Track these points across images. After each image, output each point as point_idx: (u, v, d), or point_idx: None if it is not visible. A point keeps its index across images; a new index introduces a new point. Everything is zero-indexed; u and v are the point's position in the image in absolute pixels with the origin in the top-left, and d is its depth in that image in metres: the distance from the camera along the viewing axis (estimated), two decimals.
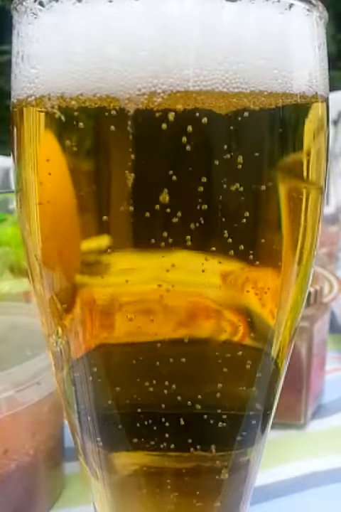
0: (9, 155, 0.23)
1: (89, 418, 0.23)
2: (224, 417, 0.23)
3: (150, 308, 0.20)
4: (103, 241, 0.20)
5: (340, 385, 0.53)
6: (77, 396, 0.23)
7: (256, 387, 0.23)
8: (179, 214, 0.19)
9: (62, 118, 0.19)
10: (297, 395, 0.46)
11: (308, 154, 0.21)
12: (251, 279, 0.21)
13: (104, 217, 0.20)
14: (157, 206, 0.19)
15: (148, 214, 0.19)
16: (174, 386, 0.21)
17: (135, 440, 0.23)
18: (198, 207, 0.19)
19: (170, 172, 0.19)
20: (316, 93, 0.21)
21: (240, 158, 0.19)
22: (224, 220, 0.20)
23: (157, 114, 0.18)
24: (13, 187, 0.23)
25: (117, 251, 0.20)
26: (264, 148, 0.20)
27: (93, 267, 0.20)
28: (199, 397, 0.22)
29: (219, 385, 0.22)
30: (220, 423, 0.23)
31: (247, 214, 0.20)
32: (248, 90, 0.19)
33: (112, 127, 0.19)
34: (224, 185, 0.19)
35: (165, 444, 0.22)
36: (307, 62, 0.21)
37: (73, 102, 0.19)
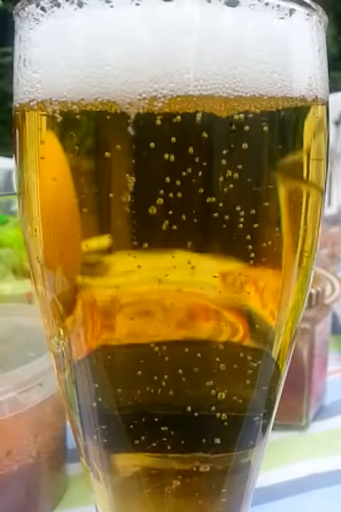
0: (12, 157, 0.23)
1: (90, 419, 0.23)
2: (225, 418, 0.23)
3: (151, 309, 0.20)
4: (104, 243, 0.20)
5: None
6: (78, 397, 0.24)
7: (257, 389, 0.23)
8: (180, 216, 0.19)
9: (64, 122, 0.19)
10: (298, 396, 0.46)
11: (308, 157, 0.21)
12: (251, 280, 0.21)
13: (105, 220, 0.20)
14: (158, 209, 0.19)
15: (149, 216, 0.19)
16: (175, 387, 0.21)
17: (136, 441, 0.23)
18: (199, 209, 0.19)
19: (171, 175, 0.19)
20: (316, 96, 0.21)
21: (240, 162, 0.19)
22: (224, 221, 0.20)
23: (158, 119, 0.18)
24: (15, 189, 0.24)
25: (118, 252, 0.20)
26: (264, 152, 0.20)
27: (94, 268, 0.21)
28: (200, 398, 0.22)
29: (220, 386, 0.22)
30: (221, 424, 0.23)
31: (248, 216, 0.20)
32: (248, 94, 0.19)
33: (113, 131, 0.19)
34: (225, 188, 0.19)
35: (166, 446, 0.23)
36: (307, 66, 0.21)
37: (74, 107, 0.19)
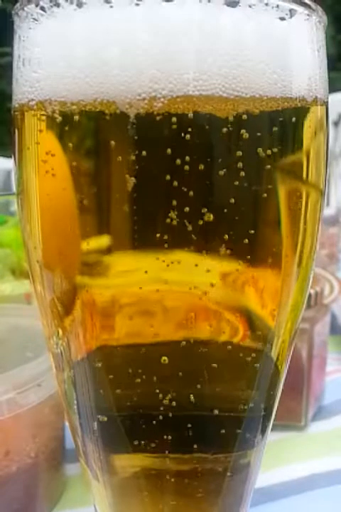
0: (10, 157, 0.23)
1: (89, 420, 0.23)
2: (225, 418, 0.23)
3: (151, 309, 0.20)
4: (103, 243, 0.20)
5: None
6: (77, 398, 0.23)
7: (256, 389, 0.23)
8: (179, 216, 0.19)
9: (63, 123, 0.19)
10: (297, 396, 0.46)
11: (308, 157, 0.21)
12: (251, 280, 0.21)
13: (105, 220, 0.20)
14: (157, 209, 0.19)
15: (148, 216, 0.19)
16: (174, 387, 0.21)
17: (135, 442, 0.23)
18: (198, 209, 0.19)
19: (171, 175, 0.19)
20: (316, 97, 0.21)
21: (240, 162, 0.19)
22: (224, 222, 0.20)
23: (157, 119, 0.18)
24: (14, 189, 0.23)
25: (117, 252, 0.20)
26: (264, 152, 0.20)
27: (93, 268, 0.21)
28: (200, 398, 0.22)
29: (220, 387, 0.22)
30: (220, 425, 0.23)
31: (247, 216, 0.20)
32: (248, 95, 0.19)
33: (113, 132, 0.19)
34: (224, 188, 0.19)
35: (165, 446, 0.22)
36: (307, 67, 0.21)
37: (74, 107, 0.19)
